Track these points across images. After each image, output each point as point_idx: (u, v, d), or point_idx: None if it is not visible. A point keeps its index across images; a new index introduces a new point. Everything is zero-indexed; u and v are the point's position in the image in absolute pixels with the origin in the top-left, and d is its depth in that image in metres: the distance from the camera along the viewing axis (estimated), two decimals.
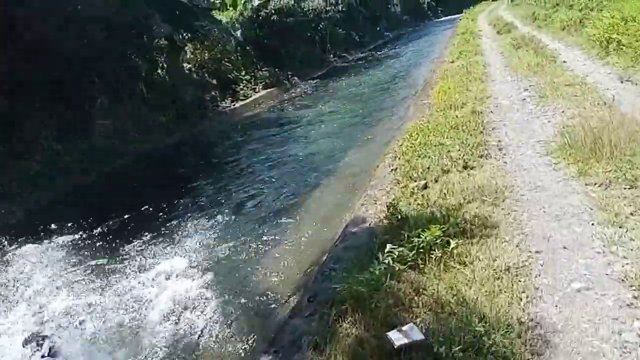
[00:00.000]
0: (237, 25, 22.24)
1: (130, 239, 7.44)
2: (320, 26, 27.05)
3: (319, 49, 28.76)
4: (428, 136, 7.55)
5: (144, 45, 14.71)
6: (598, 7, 15.12)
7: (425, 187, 5.62)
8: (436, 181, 5.73)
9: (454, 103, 9.47)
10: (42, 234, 7.77)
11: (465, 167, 5.90)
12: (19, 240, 7.55)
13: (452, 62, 15.83)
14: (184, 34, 16.07)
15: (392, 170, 6.63)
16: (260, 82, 20.90)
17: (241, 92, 19.39)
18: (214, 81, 19.72)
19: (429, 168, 6.05)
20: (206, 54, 19.94)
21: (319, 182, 8.78)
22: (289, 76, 23.12)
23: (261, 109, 17.70)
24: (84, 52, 11.85)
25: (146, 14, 13.91)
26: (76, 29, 11.69)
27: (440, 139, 7.21)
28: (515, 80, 10.55)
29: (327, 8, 26.68)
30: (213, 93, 19.03)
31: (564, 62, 11.34)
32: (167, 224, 8.06)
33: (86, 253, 7.24)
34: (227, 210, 8.10)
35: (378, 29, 41.83)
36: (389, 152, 7.70)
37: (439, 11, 67.10)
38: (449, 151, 6.60)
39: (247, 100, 18.74)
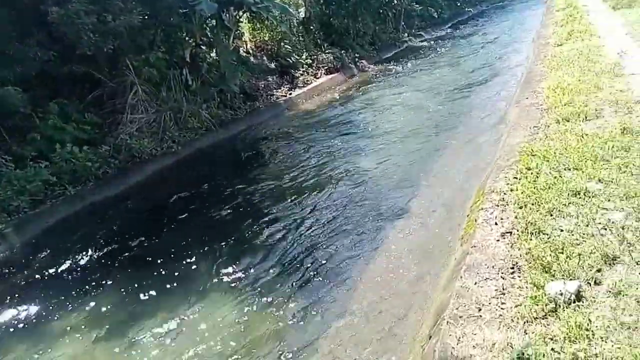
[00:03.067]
0: (300, 1, 19.83)
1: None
2: (395, 2, 24.00)
3: (392, 27, 25.79)
4: (556, 171, 4.88)
5: (188, 27, 12.74)
6: None
7: (579, 297, 3.06)
8: (597, 283, 3.15)
9: (582, 109, 6.63)
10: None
11: None
12: None
13: (560, 45, 12.59)
14: (235, 13, 13.92)
15: (502, 235, 4.07)
16: (323, 67, 18.50)
17: (300, 78, 17.11)
18: (273, 65, 17.67)
19: (578, 253, 3.43)
20: (266, 35, 17.89)
21: (373, 237, 6.03)
22: (356, 59, 20.51)
23: (319, 101, 15.27)
24: (116, 39, 10.00)
25: None
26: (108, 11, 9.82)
27: (581, 180, 4.53)
28: None
29: None
30: (270, 79, 16.95)
31: None
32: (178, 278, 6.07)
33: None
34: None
35: (458, 4, 37.76)
36: (490, 191, 5.10)
37: None
38: (605, 210, 3.95)
39: (306, 88, 16.40)
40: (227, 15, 13.40)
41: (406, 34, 26.54)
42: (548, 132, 6.27)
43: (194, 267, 6.14)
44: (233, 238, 6.71)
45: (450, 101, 12.17)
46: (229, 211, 7.65)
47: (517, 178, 5.04)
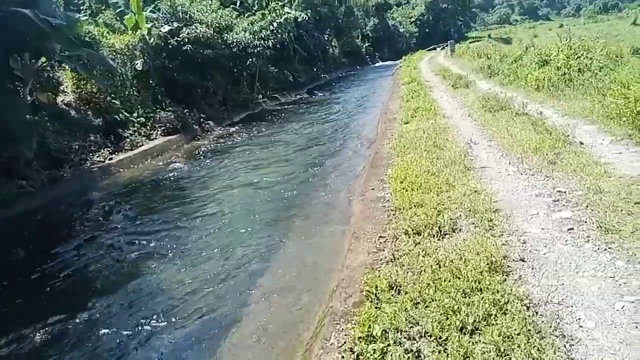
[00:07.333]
0: (136, 53, 17.49)
1: None
2: (249, 62, 22.81)
3: (246, 88, 24.54)
4: (411, 339, 3.29)
5: None
6: (593, 69, 12.10)
7: None
8: None
9: (435, 218, 5.35)
10: None
11: None
12: None
13: (407, 123, 12.07)
14: (34, 60, 11.10)
15: None
16: (160, 127, 16.14)
17: (129, 138, 14.52)
18: (98, 122, 14.84)
19: None
20: (94, 87, 15.10)
21: None
22: (201, 119, 18.54)
23: (147, 168, 12.86)
24: None
25: None
26: None
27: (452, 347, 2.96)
28: (524, 175, 6.64)
29: (256, 42, 22.51)
30: (92, 138, 14.09)
31: (582, 143, 7.73)
32: None
33: None
34: None
35: (314, 69, 38.50)
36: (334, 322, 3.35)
37: (376, 56, 66.45)
38: None
39: (134, 152, 13.88)
40: (20, 63, 10.55)
41: (261, 96, 25.53)
42: (397, 251, 4.84)
43: None
44: None
45: (293, 175, 10.70)
46: None
47: (360, 339, 3.35)
